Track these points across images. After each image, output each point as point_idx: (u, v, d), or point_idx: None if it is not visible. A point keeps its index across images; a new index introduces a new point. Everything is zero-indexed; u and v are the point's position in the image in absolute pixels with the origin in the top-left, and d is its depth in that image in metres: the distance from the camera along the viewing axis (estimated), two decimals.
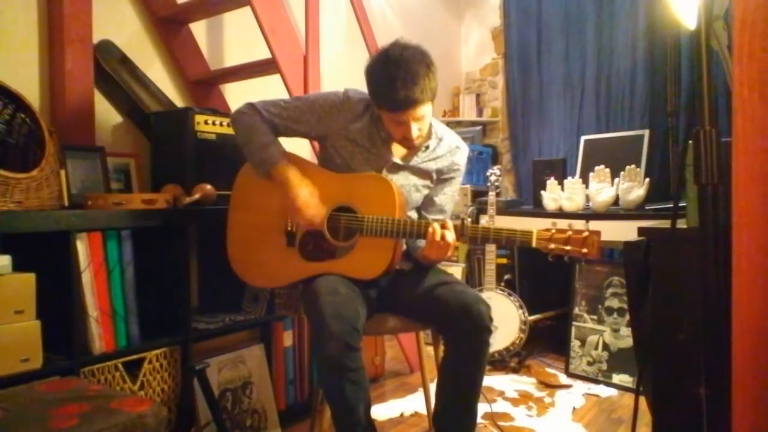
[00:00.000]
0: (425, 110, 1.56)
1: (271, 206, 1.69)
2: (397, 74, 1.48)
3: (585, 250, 1.43)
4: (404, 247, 1.74)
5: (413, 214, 1.78)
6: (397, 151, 1.71)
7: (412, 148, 1.69)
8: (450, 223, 1.54)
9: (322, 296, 1.46)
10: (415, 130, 1.58)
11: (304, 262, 1.65)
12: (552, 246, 1.45)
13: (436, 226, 1.52)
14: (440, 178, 1.77)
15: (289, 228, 1.69)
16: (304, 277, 1.63)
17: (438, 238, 1.51)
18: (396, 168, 1.70)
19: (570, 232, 1.44)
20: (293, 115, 1.69)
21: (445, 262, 3.35)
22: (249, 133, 1.67)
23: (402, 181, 1.70)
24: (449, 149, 1.75)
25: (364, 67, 1.61)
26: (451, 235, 1.52)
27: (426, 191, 1.77)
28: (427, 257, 1.63)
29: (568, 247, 1.43)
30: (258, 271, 1.72)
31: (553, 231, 1.46)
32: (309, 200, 1.61)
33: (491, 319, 1.52)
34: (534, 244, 1.46)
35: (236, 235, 1.75)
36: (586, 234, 1.43)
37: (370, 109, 1.68)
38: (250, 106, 1.70)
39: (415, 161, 1.72)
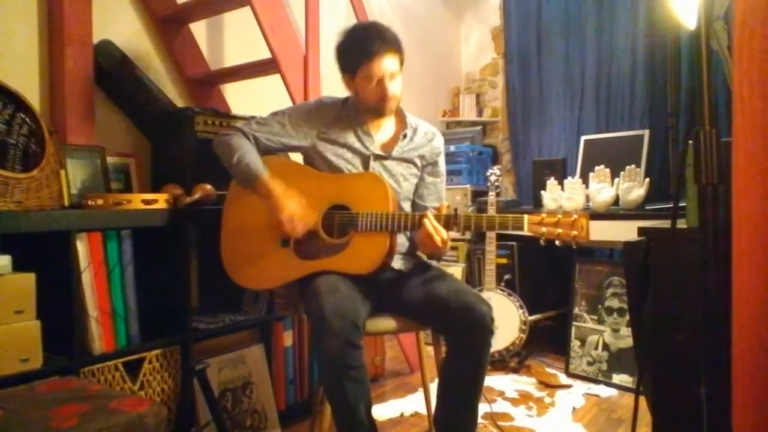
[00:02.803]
0: (397, 64, 1.68)
1: (264, 208, 1.68)
2: (367, 31, 1.68)
3: (575, 233, 1.46)
4: (402, 248, 1.74)
5: (407, 205, 1.80)
6: (378, 143, 1.77)
7: (389, 112, 1.74)
8: (445, 205, 1.59)
9: (322, 294, 1.46)
10: (391, 87, 1.67)
11: (300, 261, 1.65)
12: (543, 230, 1.49)
13: (430, 216, 1.54)
14: (425, 165, 1.82)
15: None
16: (301, 276, 1.63)
17: (431, 229, 1.53)
18: (380, 158, 1.75)
19: (559, 216, 1.49)
20: (274, 129, 1.74)
21: (445, 262, 3.36)
22: (230, 152, 1.68)
23: (390, 170, 1.74)
24: (426, 136, 1.82)
25: (334, 49, 1.73)
26: (439, 228, 1.53)
27: (414, 180, 1.80)
28: (422, 249, 1.69)
29: (558, 230, 1.47)
30: (253, 272, 1.71)
31: (544, 215, 1.50)
32: (295, 212, 1.61)
33: (493, 320, 1.52)
34: (526, 229, 1.50)
35: (230, 238, 1.76)
36: (575, 217, 1.47)
37: (346, 106, 1.78)
38: (232, 128, 1.78)
39: (396, 151, 1.76)
